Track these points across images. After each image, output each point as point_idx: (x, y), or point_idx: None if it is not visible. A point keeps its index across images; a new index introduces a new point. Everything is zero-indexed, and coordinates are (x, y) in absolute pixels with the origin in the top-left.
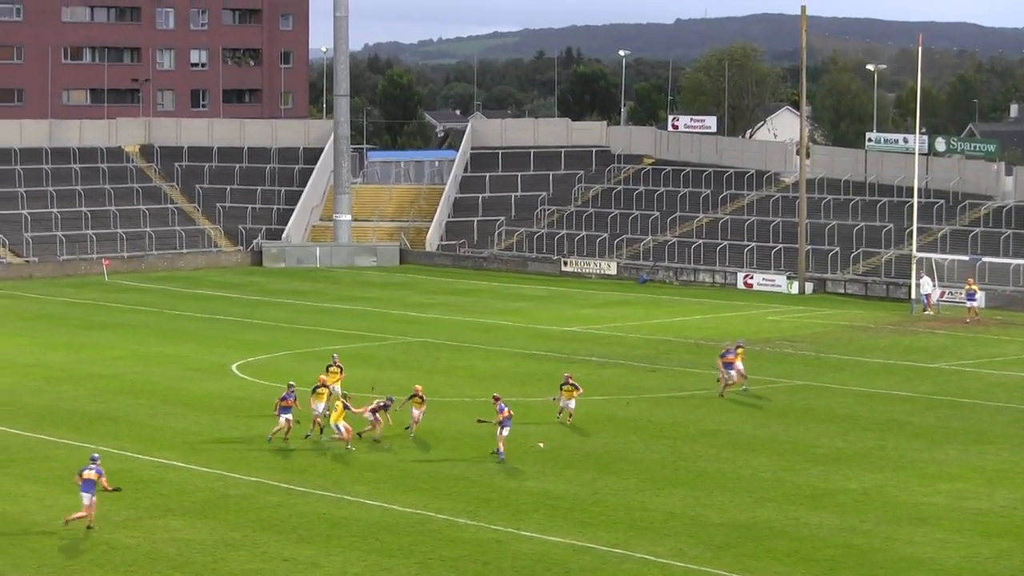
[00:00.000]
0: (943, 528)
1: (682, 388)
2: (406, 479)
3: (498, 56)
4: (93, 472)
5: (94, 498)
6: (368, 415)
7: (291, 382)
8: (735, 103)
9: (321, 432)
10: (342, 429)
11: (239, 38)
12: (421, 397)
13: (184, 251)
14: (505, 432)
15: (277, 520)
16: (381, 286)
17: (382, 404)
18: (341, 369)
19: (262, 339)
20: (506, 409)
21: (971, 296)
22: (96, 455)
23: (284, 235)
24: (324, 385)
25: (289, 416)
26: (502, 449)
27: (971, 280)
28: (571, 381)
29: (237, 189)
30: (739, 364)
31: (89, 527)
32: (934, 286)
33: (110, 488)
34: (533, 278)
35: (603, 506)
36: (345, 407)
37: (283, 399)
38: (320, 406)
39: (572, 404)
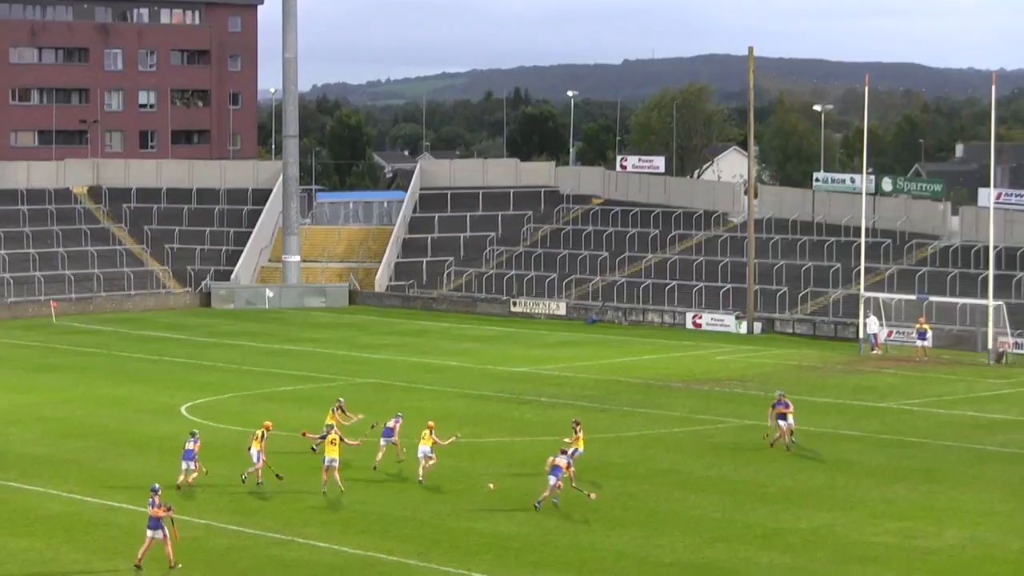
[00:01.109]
0: (893, 567)
1: (631, 428)
2: (357, 521)
3: (446, 97)
4: (156, 508)
5: (159, 532)
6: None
7: (267, 421)
8: (683, 143)
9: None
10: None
11: (187, 79)
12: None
13: (133, 293)
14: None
15: (228, 563)
16: (330, 327)
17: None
18: (343, 410)
19: (211, 380)
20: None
21: (922, 335)
22: (156, 486)
23: (233, 276)
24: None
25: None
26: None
27: (922, 319)
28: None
29: (186, 230)
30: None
31: (171, 566)
32: (881, 326)
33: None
34: (482, 319)
35: (554, 547)
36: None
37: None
38: (328, 459)
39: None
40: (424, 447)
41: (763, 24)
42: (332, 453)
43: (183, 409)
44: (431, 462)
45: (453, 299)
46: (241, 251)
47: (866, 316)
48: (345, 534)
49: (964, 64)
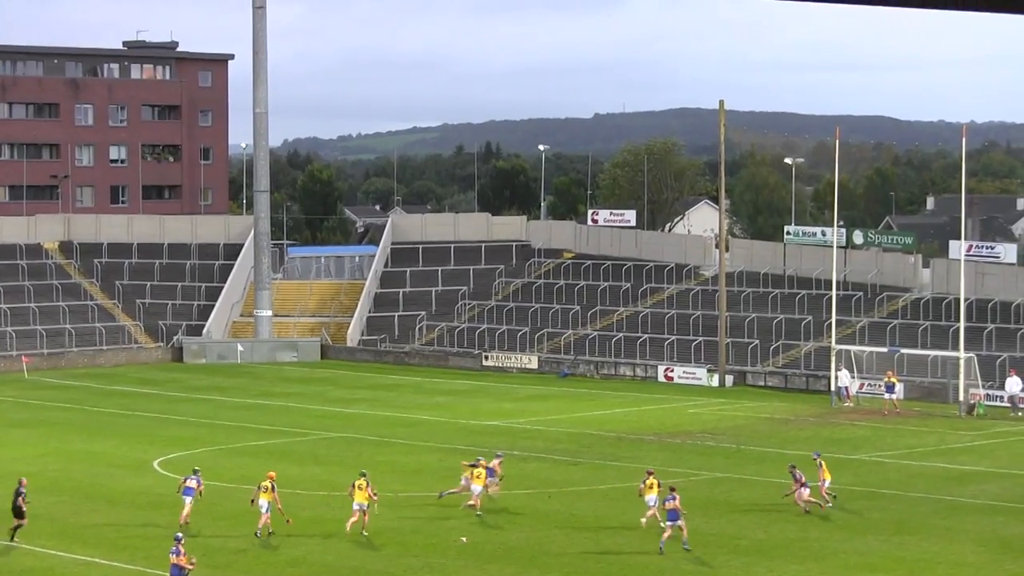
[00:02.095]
0: None
1: (604, 481)
2: (328, 574)
3: (418, 151)
4: (179, 557)
5: None
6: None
7: (271, 472)
8: (654, 197)
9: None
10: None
11: (158, 134)
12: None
13: (104, 348)
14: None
15: None
16: (303, 381)
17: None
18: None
19: (183, 435)
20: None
21: (890, 388)
22: (180, 535)
23: (205, 331)
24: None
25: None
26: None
27: (890, 373)
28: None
29: (157, 285)
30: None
31: None
32: (853, 378)
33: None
34: (454, 372)
35: None
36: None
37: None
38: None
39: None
40: (360, 502)
41: (733, 78)
42: (361, 499)
43: (156, 464)
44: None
45: (425, 353)
46: (213, 306)
47: (838, 369)
48: None
49: (934, 117)
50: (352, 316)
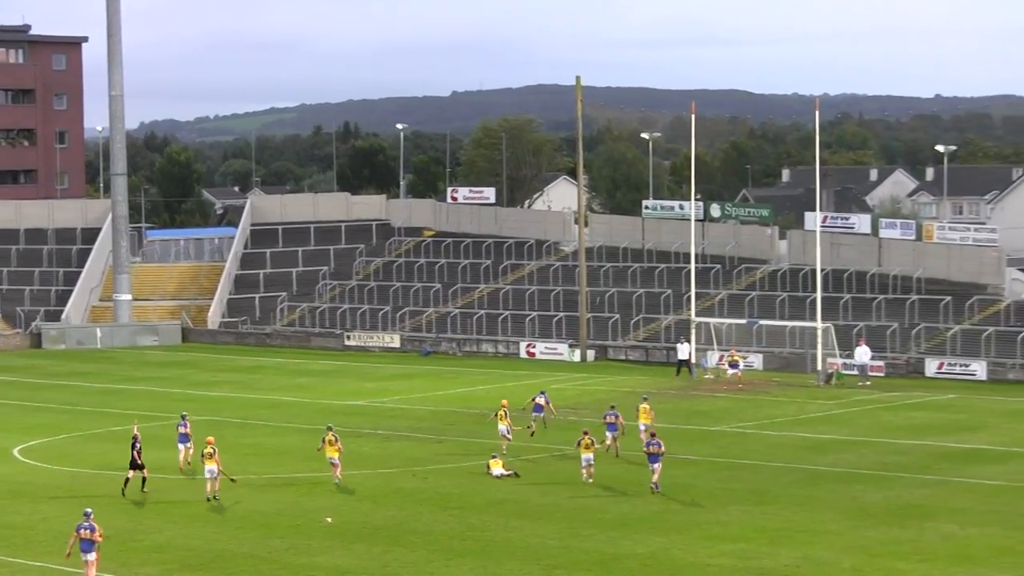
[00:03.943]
0: None
1: (468, 458)
2: (194, 559)
3: (276, 132)
4: (87, 531)
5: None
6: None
7: (209, 437)
8: (513, 174)
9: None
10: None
11: (12, 118)
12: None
13: None
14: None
15: None
16: (164, 365)
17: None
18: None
19: (44, 422)
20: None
21: (734, 366)
22: (89, 510)
23: (63, 316)
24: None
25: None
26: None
27: (734, 351)
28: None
29: (14, 271)
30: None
31: None
32: (710, 352)
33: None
34: (317, 353)
35: None
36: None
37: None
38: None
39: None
40: (211, 466)
41: (590, 54)
42: (332, 452)
43: (16, 451)
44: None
45: (287, 334)
46: (71, 291)
47: (680, 341)
48: (182, 572)
49: (789, 90)
50: (212, 298)
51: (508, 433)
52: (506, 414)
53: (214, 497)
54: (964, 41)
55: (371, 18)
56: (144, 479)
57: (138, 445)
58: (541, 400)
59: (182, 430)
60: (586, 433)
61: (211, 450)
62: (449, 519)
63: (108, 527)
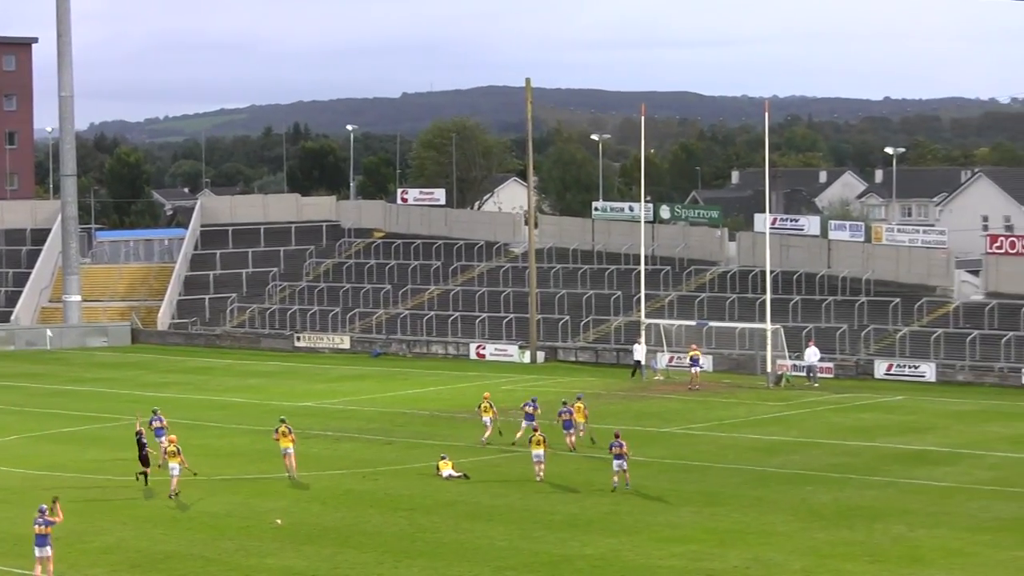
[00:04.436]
0: None
1: (418, 460)
2: (143, 560)
3: (226, 133)
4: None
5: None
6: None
7: (172, 436)
8: (463, 175)
9: None
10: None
11: None
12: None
13: None
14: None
15: None
16: (113, 366)
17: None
18: (290, 430)
19: None
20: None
21: (695, 362)
22: (44, 507)
23: (12, 317)
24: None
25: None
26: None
27: (694, 347)
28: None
29: None
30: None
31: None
32: (660, 353)
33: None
34: (266, 354)
35: None
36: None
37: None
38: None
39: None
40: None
41: (540, 56)
42: (286, 444)
43: None
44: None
45: (237, 335)
46: (20, 292)
47: (635, 343)
48: (131, 573)
49: (738, 92)
50: (162, 300)
51: (490, 424)
52: (490, 406)
53: (175, 494)
54: (913, 44)
55: (322, 19)
56: (146, 474)
57: (143, 440)
58: (530, 408)
59: (157, 424)
60: (536, 430)
61: (174, 448)
62: (399, 520)
63: (57, 528)
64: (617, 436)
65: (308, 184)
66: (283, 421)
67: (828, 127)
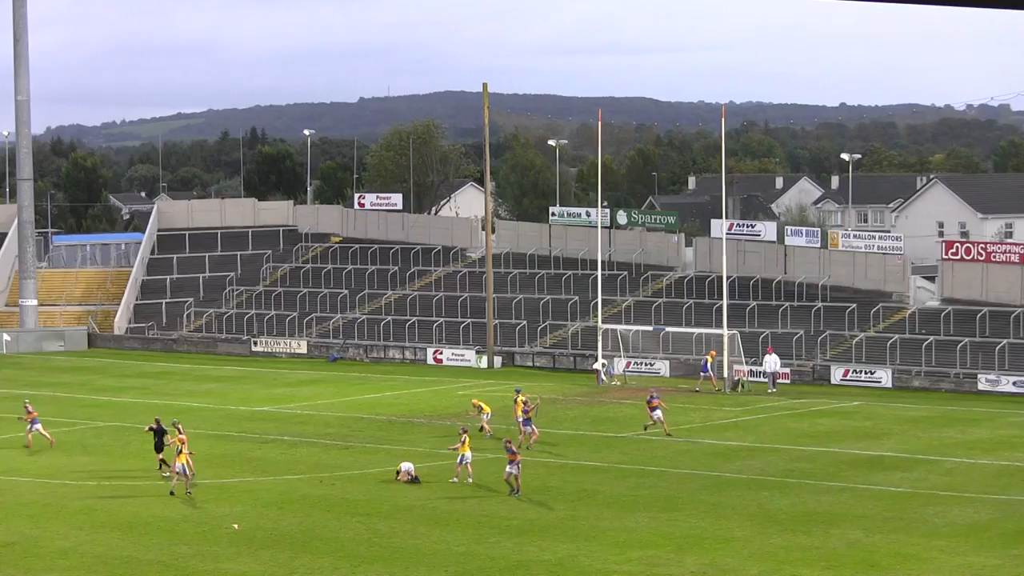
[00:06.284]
0: None
1: (375, 465)
2: (99, 565)
3: (183, 137)
4: None
5: None
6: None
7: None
8: (420, 180)
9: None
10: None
11: None
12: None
13: None
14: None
15: None
16: (70, 371)
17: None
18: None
19: None
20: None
21: (705, 367)
22: None
23: None
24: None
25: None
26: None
27: (714, 353)
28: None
29: None
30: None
31: None
32: (605, 363)
33: None
34: (224, 359)
35: None
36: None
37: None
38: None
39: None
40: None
41: (498, 61)
42: (181, 460)
43: None
44: None
45: (194, 340)
46: None
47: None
48: None
49: (695, 98)
50: (119, 304)
51: (487, 420)
52: (482, 408)
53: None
54: (869, 50)
55: (279, 24)
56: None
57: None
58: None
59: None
60: (464, 431)
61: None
62: (356, 525)
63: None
64: (508, 442)
65: (265, 189)
66: (175, 424)
67: (784, 133)
